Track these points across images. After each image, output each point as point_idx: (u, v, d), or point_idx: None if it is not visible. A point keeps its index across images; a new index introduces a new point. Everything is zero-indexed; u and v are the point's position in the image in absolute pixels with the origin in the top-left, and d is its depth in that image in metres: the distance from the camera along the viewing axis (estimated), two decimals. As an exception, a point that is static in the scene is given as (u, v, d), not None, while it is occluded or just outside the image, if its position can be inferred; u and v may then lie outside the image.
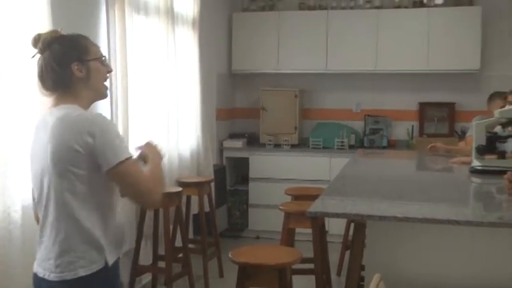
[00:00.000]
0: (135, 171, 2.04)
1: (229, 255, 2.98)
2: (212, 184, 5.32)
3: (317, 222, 3.85)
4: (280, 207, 4.01)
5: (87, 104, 2.13)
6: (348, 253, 4.71)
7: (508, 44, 6.35)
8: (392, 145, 6.50)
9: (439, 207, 2.66)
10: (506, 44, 6.35)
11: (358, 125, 6.64)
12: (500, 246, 2.51)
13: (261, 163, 6.36)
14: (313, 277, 3.89)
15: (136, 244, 4.24)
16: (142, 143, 2.28)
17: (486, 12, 6.18)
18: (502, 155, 3.83)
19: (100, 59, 2.16)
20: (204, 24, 5.63)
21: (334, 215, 2.47)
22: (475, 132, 3.81)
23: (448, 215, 2.45)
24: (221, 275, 5.04)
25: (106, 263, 2.06)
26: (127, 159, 2.01)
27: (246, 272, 2.94)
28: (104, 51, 2.40)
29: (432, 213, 2.45)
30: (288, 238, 4.01)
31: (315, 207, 2.53)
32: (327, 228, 5.69)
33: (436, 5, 6.24)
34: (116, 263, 2.15)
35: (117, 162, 1.98)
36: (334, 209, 2.53)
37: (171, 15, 4.86)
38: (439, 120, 6.49)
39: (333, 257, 5.05)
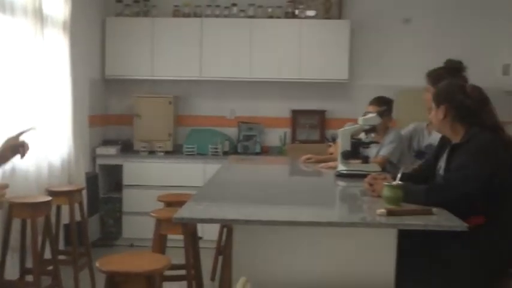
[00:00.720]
0: None
1: (96, 265, 2.90)
2: (84, 192, 5.16)
3: (188, 229, 3.85)
4: (152, 213, 3.97)
5: None
6: (221, 258, 4.78)
7: (374, 56, 6.73)
8: (265, 151, 6.65)
9: (304, 210, 2.74)
10: (372, 56, 6.72)
11: (232, 131, 6.73)
12: (362, 245, 2.61)
13: (135, 170, 6.27)
14: (185, 283, 3.89)
15: (1, 258, 4.04)
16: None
17: (354, 25, 6.51)
18: (366, 159, 4.03)
19: None
20: (76, 28, 5.47)
21: (200, 221, 2.48)
22: (341, 139, 3.98)
23: (311, 217, 2.53)
24: (93, 286, 4.89)
25: None
26: None
27: (114, 280, 2.87)
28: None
29: (296, 216, 2.53)
30: (160, 245, 3.98)
31: (181, 213, 2.53)
32: (200, 234, 5.72)
33: (307, 17, 6.47)
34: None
35: None
36: (200, 215, 2.54)
37: (39, 16, 4.67)
38: (311, 127, 6.73)
39: (208, 262, 5.07)
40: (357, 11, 6.67)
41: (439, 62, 3.77)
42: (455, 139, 3.01)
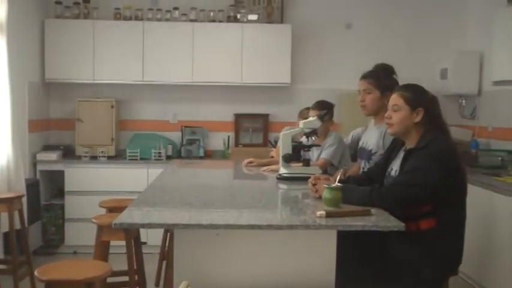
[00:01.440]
0: None
1: (35, 273, 2.85)
2: (24, 199, 5.05)
3: (130, 234, 3.81)
4: (93, 220, 3.91)
5: None
6: (165, 262, 4.75)
7: (316, 60, 6.84)
8: (209, 155, 6.66)
9: (245, 214, 2.76)
10: (314, 60, 6.83)
11: (175, 135, 6.72)
12: (302, 247, 2.65)
13: (77, 176, 6.17)
14: (129, 290, 3.86)
15: None
16: None
17: (296, 29, 6.59)
18: (307, 162, 4.08)
19: None
20: (14, 30, 5.35)
21: (140, 226, 2.46)
22: (282, 142, 4.01)
23: (251, 220, 2.55)
24: (34, 295, 4.80)
25: None
26: None
27: (53, 289, 2.83)
28: None
29: (236, 220, 2.54)
30: (102, 251, 3.92)
31: (121, 218, 2.51)
32: (145, 239, 5.68)
33: (249, 21, 6.51)
34: None
35: None
36: (140, 220, 2.53)
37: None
38: (254, 130, 6.77)
39: (152, 268, 5.04)
40: (299, 15, 6.77)
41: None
42: (411, 142, 3.06)
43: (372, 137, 3.76)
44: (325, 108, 4.45)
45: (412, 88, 3.13)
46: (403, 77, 3.81)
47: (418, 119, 3.03)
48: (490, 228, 4.85)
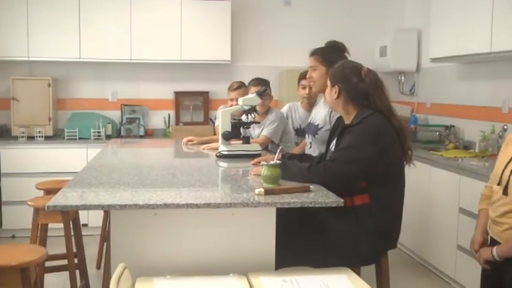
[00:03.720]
0: None
1: (-33, 259, 2.75)
2: (-45, 182, 4.87)
3: (67, 217, 3.73)
4: (29, 202, 3.81)
5: None
6: (106, 245, 4.67)
7: (256, 37, 6.81)
8: (149, 134, 6.58)
9: (183, 193, 2.72)
10: (254, 37, 6.80)
11: (115, 114, 6.60)
12: (242, 225, 2.64)
13: (14, 157, 5.97)
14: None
15: None
16: None
17: (235, 6, 6.54)
18: (247, 140, 4.07)
19: None
20: None
21: (75, 208, 2.38)
22: (221, 120, 3.98)
23: (189, 199, 2.51)
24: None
25: None
26: None
27: (-14, 275, 2.74)
28: None
29: (174, 199, 2.50)
30: (39, 235, 3.83)
31: (55, 200, 2.43)
32: (86, 222, 5.61)
33: (188, -3, 6.40)
34: None
35: None
36: (75, 202, 2.45)
37: None
38: (194, 108, 6.72)
39: (94, 250, 4.96)
40: (239, -9, 6.70)
41: (318, 43, 3.82)
42: (347, 119, 3.08)
43: (320, 113, 3.77)
44: (262, 85, 4.45)
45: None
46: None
47: (334, 95, 3.09)
48: (429, 201, 4.97)
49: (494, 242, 3.03)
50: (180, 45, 6.30)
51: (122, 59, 6.30)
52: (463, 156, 4.90)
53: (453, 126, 5.74)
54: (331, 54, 3.62)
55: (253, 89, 4.55)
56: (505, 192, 2.94)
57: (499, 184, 3.01)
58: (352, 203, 2.90)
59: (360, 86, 3.04)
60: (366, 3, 6.96)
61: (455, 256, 4.53)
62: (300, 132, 4.69)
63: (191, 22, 6.31)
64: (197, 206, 2.44)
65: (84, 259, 4.18)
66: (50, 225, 3.94)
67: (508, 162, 2.98)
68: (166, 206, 2.41)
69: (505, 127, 4.93)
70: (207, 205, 2.46)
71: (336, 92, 3.09)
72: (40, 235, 3.86)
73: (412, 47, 6.53)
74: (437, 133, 5.88)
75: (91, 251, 4.89)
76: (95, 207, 2.41)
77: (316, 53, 3.69)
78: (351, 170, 2.85)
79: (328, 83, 3.16)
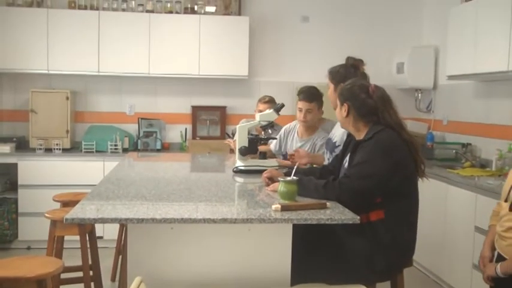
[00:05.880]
0: None
1: (-16, 271, 2.77)
2: (-26, 193, 4.92)
3: (84, 229, 3.75)
4: (46, 214, 3.84)
5: None
6: (121, 258, 4.69)
7: (273, 53, 6.84)
8: (166, 148, 6.61)
9: (200, 207, 2.73)
10: (271, 53, 6.83)
11: (132, 128, 6.64)
12: (258, 241, 2.65)
13: (31, 169, 6.02)
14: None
15: None
16: None
17: (253, 22, 6.58)
18: (263, 155, 4.08)
19: None
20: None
21: (92, 221, 2.41)
22: (238, 135, 3.99)
23: (206, 214, 2.53)
24: (-16, 292, 4.68)
25: None
26: None
27: (3, 286, 2.76)
28: None
29: (191, 214, 2.52)
30: (56, 247, 3.86)
31: (73, 213, 2.46)
32: (101, 234, 5.63)
33: (206, 13, 6.46)
34: None
35: None
36: (92, 215, 2.48)
37: None
38: (211, 123, 6.74)
39: (109, 263, 4.98)
40: (256, 7, 6.75)
41: (335, 60, 3.86)
42: (359, 136, 3.11)
43: (339, 130, 3.78)
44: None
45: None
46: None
47: (344, 113, 3.12)
48: (444, 219, 4.94)
49: (500, 258, 3.03)
50: (198, 59, 6.34)
51: (140, 73, 6.36)
52: (479, 174, 4.87)
53: (470, 144, 5.71)
54: (341, 72, 3.67)
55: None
56: (511, 208, 2.96)
57: (506, 200, 3.05)
58: (368, 219, 2.90)
59: (368, 103, 3.06)
60: (383, 19, 6.98)
61: (470, 275, 4.48)
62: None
63: (209, 37, 6.36)
64: (214, 221, 2.45)
65: (100, 271, 4.20)
66: (66, 237, 3.97)
67: None
68: (183, 220, 2.43)
69: (523, 146, 4.90)
70: (224, 220, 2.47)
71: (345, 110, 3.12)
72: (56, 247, 3.89)
73: (429, 64, 6.52)
74: (454, 151, 5.84)
75: (106, 263, 4.90)
76: (112, 220, 2.43)
77: (329, 72, 3.75)
78: (366, 185, 2.86)
79: (338, 102, 3.19)
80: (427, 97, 6.74)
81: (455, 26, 5.47)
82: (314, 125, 4.39)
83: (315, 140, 4.37)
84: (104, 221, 2.42)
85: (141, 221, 2.40)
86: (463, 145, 5.76)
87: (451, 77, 5.53)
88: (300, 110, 4.33)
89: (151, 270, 2.58)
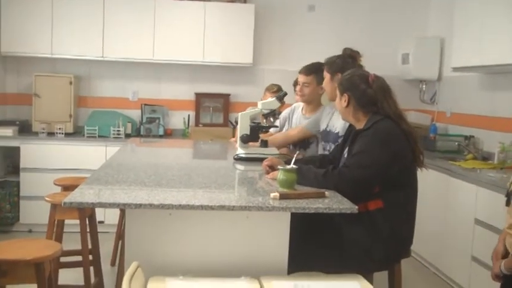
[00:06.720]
0: None
1: (-18, 253, 2.79)
2: (-24, 175, 4.94)
3: (84, 213, 3.77)
4: (46, 198, 3.85)
5: None
6: (121, 242, 4.71)
7: (278, 41, 6.82)
8: (168, 134, 6.62)
9: (198, 194, 2.73)
10: (276, 41, 6.81)
11: (135, 113, 6.65)
12: (256, 228, 2.65)
13: (34, 152, 6.04)
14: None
15: None
16: None
17: (259, 9, 6.55)
18: (265, 143, 4.07)
19: None
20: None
21: (90, 205, 2.42)
22: (240, 123, 3.99)
23: (204, 201, 2.53)
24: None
25: None
26: None
27: (2, 269, 2.77)
28: None
29: (189, 200, 2.52)
30: (56, 231, 3.87)
31: (71, 197, 2.46)
32: (102, 219, 5.65)
33: (212, 0, 6.42)
34: None
35: None
36: (90, 199, 2.48)
37: None
38: (215, 110, 6.74)
39: (109, 247, 5.00)
40: (262, -5, 6.72)
41: (341, 49, 3.84)
42: (359, 126, 3.11)
43: (339, 120, 3.76)
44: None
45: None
46: (365, 62, 3.84)
47: (344, 103, 3.13)
48: (445, 211, 4.94)
49: (508, 254, 3.02)
50: (202, 46, 6.32)
51: (144, 59, 6.35)
52: (481, 167, 4.86)
53: (473, 136, 5.69)
54: (339, 63, 3.66)
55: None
56: (508, 203, 3.00)
57: (506, 196, 3.06)
58: (366, 208, 2.90)
59: (368, 92, 3.07)
60: (389, 10, 6.94)
61: (469, 267, 4.49)
62: None
63: (214, 24, 6.34)
64: (211, 208, 2.46)
65: (99, 256, 4.21)
66: (67, 221, 3.98)
67: None
68: (181, 207, 2.43)
69: (526, 139, 4.89)
70: (222, 207, 2.47)
71: (345, 101, 3.13)
72: (56, 231, 3.90)
73: (435, 56, 6.49)
74: (457, 143, 5.83)
75: (107, 248, 4.92)
76: (110, 205, 2.44)
77: (325, 63, 3.75)
78: (366, 174, 2.86)
79: (337, 92, 3.19)
80: (431, 89, 6.71)
81: (461, 17, 5.43)
82: (315, 100, 4.22)
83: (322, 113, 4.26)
84: (101, 205, 2.43)
85: (139, 206, 2.40)
86: (466, 137, 5.75)
87: (455, 69, 5.51)
88: (299, 84, 4.26)
89: (149, 255, 2.58)
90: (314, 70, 4.14)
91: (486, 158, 5.35)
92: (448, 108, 6.36)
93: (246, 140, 3.94)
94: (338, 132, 3.76)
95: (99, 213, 5.08)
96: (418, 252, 5.36)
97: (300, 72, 4.22)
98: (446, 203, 4.93)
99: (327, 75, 3.73)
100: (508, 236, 3.03)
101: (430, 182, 4.92)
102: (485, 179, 4.36)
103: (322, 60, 3.88)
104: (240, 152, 3.92)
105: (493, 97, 5.49)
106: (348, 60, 3.69)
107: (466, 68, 5.34)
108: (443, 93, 6.53)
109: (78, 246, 3.89)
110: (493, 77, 5.53)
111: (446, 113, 6.39)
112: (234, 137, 5.82)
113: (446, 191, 4.92)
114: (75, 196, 2.50)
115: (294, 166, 2.91)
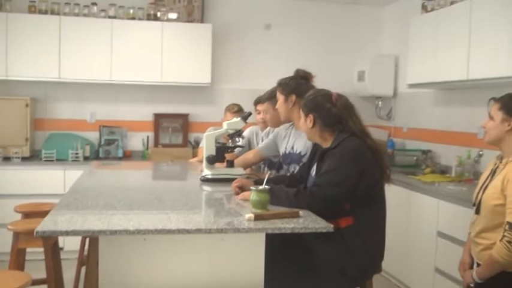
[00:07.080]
0: None
1: None
2: None
3: (49, 241, 3.68)
4: (9, 226, 3.74)
5: None
6: (84, 269, 4.60)
7: (236, 60, 6.84)
8: (128, 156, 6.52)
9: (172, 217, 2.70)
10: (233, 60, 6.83)
11: (93, 135, 6.55)
12: (231, 250, 2.64)
13: (-11, 178, 5.86)
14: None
15: None
16: None
17: (216, 29, 6.57)
18: (231, 163, 4.06)
19: None
20: None
21: (64, 233, 2.35)
22: (205, 143, 3.97)
23: (179, 224, 2.51)
24: None
25: None
26: None
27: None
28: None
29: (164, 224, 2.49)
30: (18, 260, 3.76)
31: (44, 226, 2.40)
32: (61, 245, 5.51)
33: (169, 20, 6.42)
34: None
35: None
36: (64, 227, 2.41)
37: None
38: (174, 130, 6.70)
39: (69, 274, 4.87)
40: (219, 15, 6.75)
41: (298, 67, 3.90)
42: (325, 145, 3.14)
43: (299, 141, 3.80)
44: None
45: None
46: (322, 79, 3.90)
47: (310, 124, 3.16)
48: (407, 225, 5.02)
49: (478, 264, 3.11)
50: (160, 67, 6.28)
51: (102, 80, 6.25)
52: (440, 180, 4.98)
53: (430, 151, 5.83)
54: (290, 82, 3.77)
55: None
56: (477, 211, 3.09)
57: (474, 205, 3.16)
58: (338, 225, 2.93)
59: (333, 111, 3.11)
60: (345, 28, 7.07)
61: (433, 279, 4.57)
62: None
63: (172, 44, 6.31)
64: (188, 231, 2.44)
65: (63, 284, 4.12)
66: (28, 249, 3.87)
67: (482, 184, 3.13)
68: (157, 231, 2.40)
69: (481, 152, 5.03)
70: (199, 231, 2.45)
71: (311, 121, 3.16)
72: (18, 260, 3.79)
73: (390, 73, 6.63)
74: (415, 157, 5.95)
75: (67, 275, 4.80)
76: (85, 232, 2.39)
77: (278, 84, 3.83)
78: (337, 192, 2.89)
79: (302, 113, 3.22)
80: (387, 105, 6.85)
81: (415, 35, 5.58)
82: (280, 123, 4.21)
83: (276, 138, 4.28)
84: (76, 233, 2.37)
85: (114, 232, 2.36)
86: (423, 152, 5.88)
87: (411, 85, 5.64)
88: (258, 113, 4.45)
89: (123, 282, 2.54)
90: (268, 97, 4.30)
91: (444, 171, 5.48)
92: (404, 124, 6.50)
93: (212, 160, 3.92)
94: (300, 152, 3.79)
95: (59, 240, 4.95)
96: (384, 267, 5.40)
97: (255, 103, 4.37)
98: (408, 217, 5.01)
99: (280, 96, 3.80)
100: (473, 244, 3.13)
101: (391, 197, 4.97)
102: (445, 192, 4.47)
103: (279, 77, 3.94)
104: (207, 172, 3.90)
105: (448, 112, 5.64)
106: (301, 81, 3.76)
107: (421, 84, 5.47)
108: (399, 109, 6.67)
109: (39, 275, 3.79)
110: (447, 93, 5.68)
111: (403, 128, 6.53)
112: (194, 157, 5.83)
113: (408, 205, 5.01)
114: (48, 225, 2.44)
115: (267, 186, 2.92)
